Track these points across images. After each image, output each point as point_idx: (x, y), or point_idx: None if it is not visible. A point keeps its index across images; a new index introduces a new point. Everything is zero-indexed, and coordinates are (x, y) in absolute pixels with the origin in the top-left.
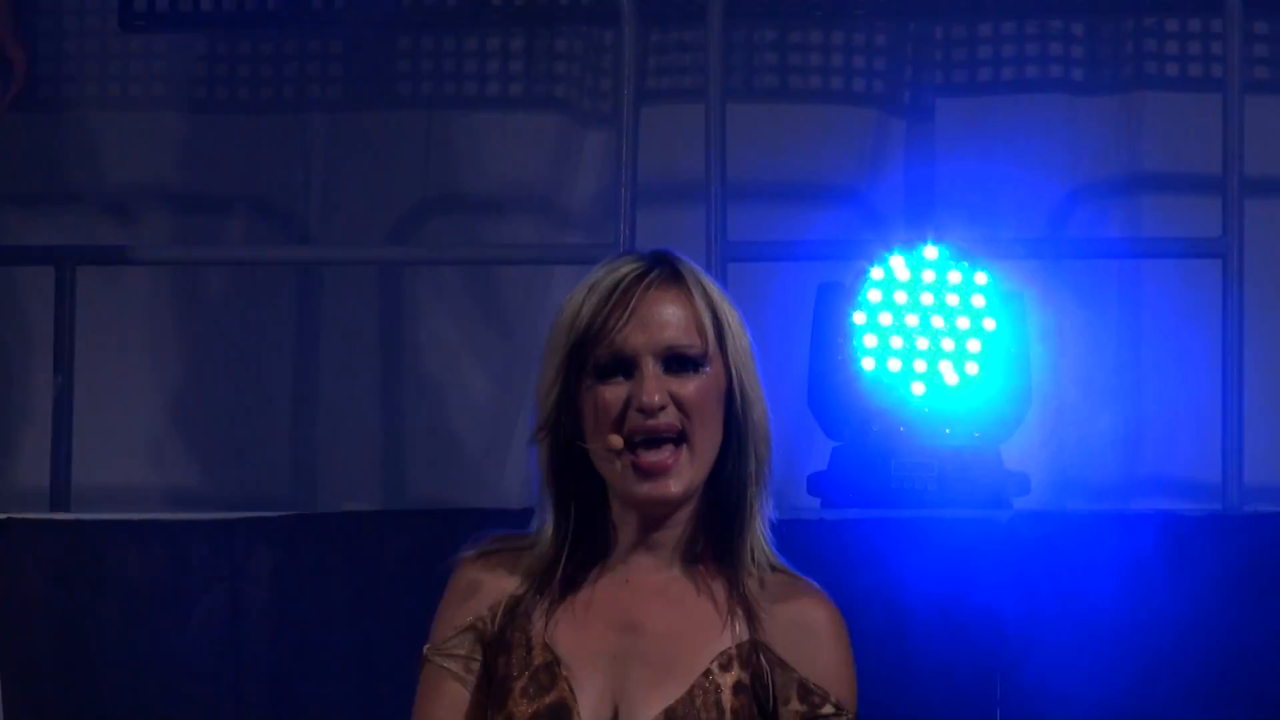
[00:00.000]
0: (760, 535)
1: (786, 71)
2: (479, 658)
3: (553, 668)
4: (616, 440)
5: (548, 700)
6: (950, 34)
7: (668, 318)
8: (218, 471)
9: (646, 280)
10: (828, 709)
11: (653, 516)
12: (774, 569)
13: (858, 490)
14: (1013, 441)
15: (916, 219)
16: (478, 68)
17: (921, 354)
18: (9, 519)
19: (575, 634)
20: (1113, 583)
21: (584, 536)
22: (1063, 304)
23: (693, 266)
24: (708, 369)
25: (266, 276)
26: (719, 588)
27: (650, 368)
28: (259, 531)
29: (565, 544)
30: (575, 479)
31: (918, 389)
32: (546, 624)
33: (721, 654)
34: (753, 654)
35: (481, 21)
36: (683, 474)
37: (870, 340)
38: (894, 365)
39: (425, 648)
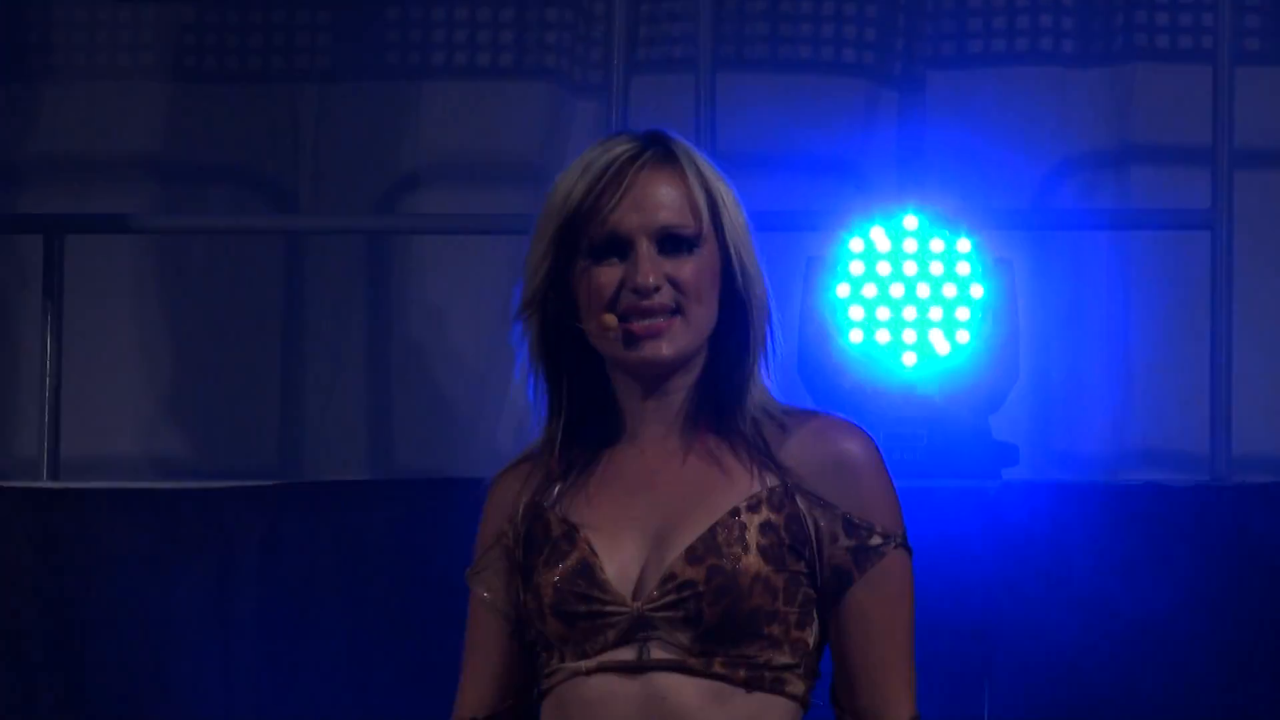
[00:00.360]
0: (764, 388)
1: (777, 42)
2: (505, 581)
3: (571, 534)
4: (611, 319)
5: (570, 562)
6: (941, 6)
7: (662, 198)
8: (206, 441)
9: (640, 160)
10: (875, 539)
11: (654, 382)
12: (788, 413)
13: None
14: (1001, 412)
15: (907, 190)
16: (468, 37)
17: (910, 324)
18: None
19: (591, 505)
20: (1100, 553)
21: (587, 415)
22: (1051, 274)
23: (687, 146)
24: (702, 249)
25: (255, 246)
26: (739, 443)
27: (645, 249)
28: (247, 500)
29: (561, 420)
30: (567, 358)
31: (909, 359)
32: (561, 503)
33: (750, 497)
34: (785, 498)
35: None
36: (676, 338)
37: (856, 313)
38: (883, 337)
39: (466, 571)
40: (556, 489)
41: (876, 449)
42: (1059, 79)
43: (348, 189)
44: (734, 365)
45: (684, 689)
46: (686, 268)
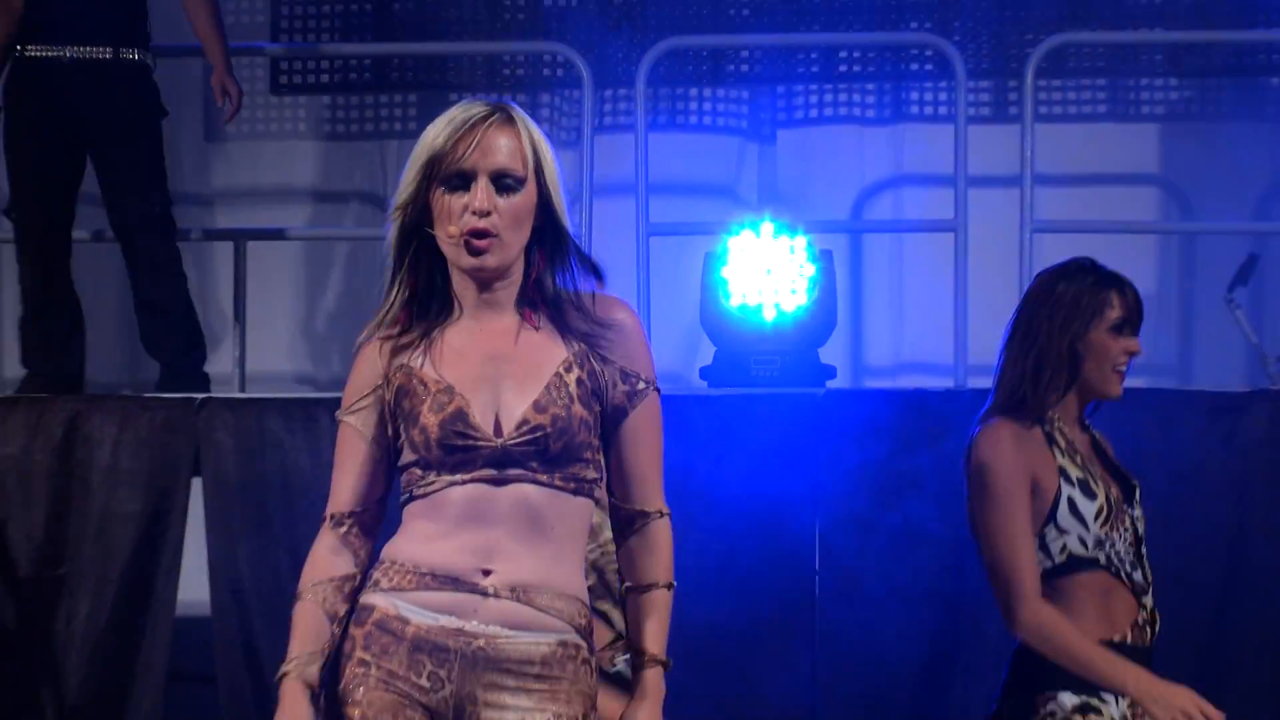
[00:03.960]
0: (565, 285)
1: (688, 113)
2: (376, 418)
3: (450, 390)
4: (455, 230)
5: (450, 410)
6: (788, 91)
7: (500, 148)
8: (341, 368)
9: (489, 120)
10: (641, 384)
11: (485, 281)
12: (579, 294)
13: (729, 377)
14: (826, 347)
15: (765, 206)
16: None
17: (767, 292)
18: (207, 398)
19: (454, 368)
20: (894, 437)
21: (430, 300)
22: (858, 260)
23: (523, 115)
24: (525, 188)
25: (375, 249)
26: (548, 322)
27: (484, 183)
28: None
29: (413, 301)
30: (419, 255)
31: (768, 314)
32: (429, 364)
33: (564, 361)
34: (585, 358)
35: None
36: (495, 253)
37: (735, 285)
38: (751, 300)
39: (337, 413)
40: (420, 358)
41: (637, 317)
42: (859, 135)
43: None
44: (545, 269)
45: (535, 494)
46: (511, 202)
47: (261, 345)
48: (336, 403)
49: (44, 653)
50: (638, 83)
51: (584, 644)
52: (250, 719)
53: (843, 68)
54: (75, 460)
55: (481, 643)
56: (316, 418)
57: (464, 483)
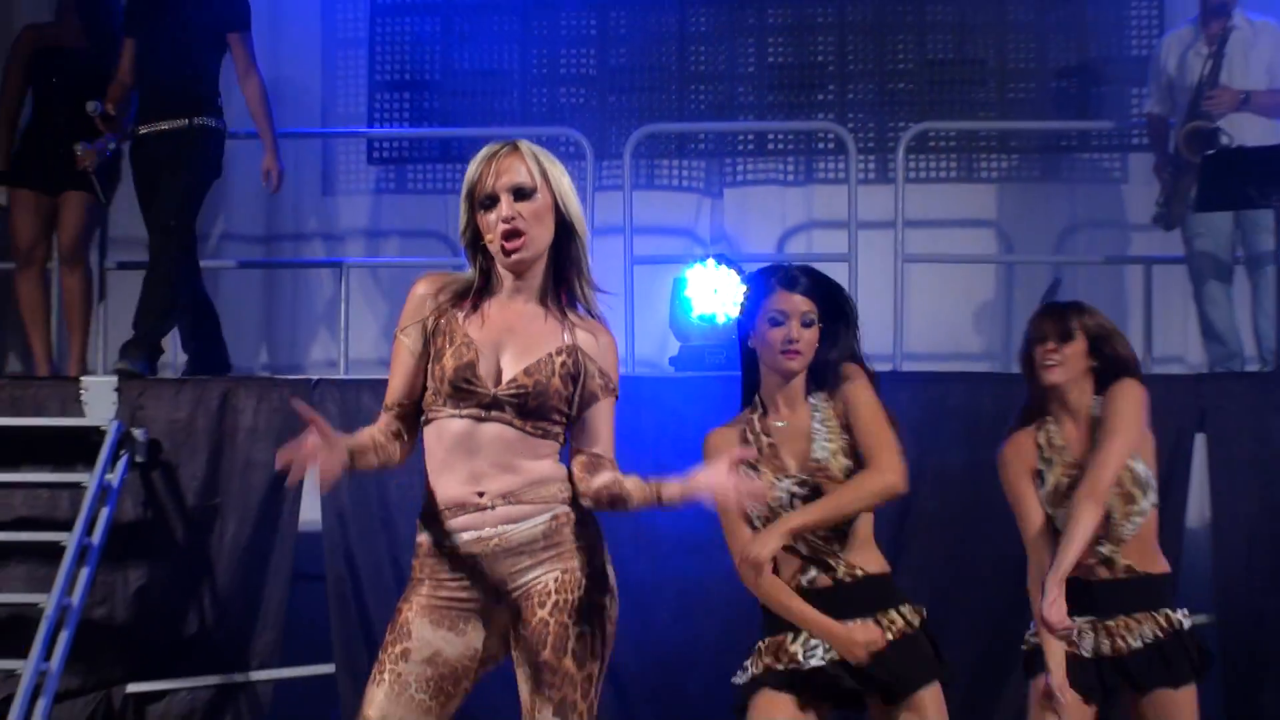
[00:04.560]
0: (587, 291)
1: (661, 177)
2: (421, 338)
3: (470, 343)
4: (494, 239)
5: (465, 359)
6: (732, 162)
7: (513, 170)
8: None
9: (501, 153)
10: (610, 385)
11: (516, 272)
12: (589, 313)
13: (691, 364)
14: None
15: (714, 246)
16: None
17: (715, 308)
18: (320, 379)
19: (479, 330)
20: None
21: (485, 282)
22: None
23: (529, 144)
24: (538, 196)
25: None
26: (557, 316)
27: (505, 199)
28: None
29: (473, 283)
30: (479, 255)
31: (719, 320)
32: (464, 322)
33: (559, 348)
34: (574, 352)
35: None
36: (526, 248)
37: (695, 302)
38: (706, 312)
39: (396, 330)
40: (463, 313)
41: (614, 339)
42: (781, 194)
43: None
44: (563, 266)
45: (508, 432)
46: (528, 206)
47: (359, 342)
48: None
49: (203, 559)
50: (625, 156)
51: (570, 510)
52: (350, 609)
53: (770, 146)
54: (226, 423)
55: (496, 541)
56: None
57: (459, 416)
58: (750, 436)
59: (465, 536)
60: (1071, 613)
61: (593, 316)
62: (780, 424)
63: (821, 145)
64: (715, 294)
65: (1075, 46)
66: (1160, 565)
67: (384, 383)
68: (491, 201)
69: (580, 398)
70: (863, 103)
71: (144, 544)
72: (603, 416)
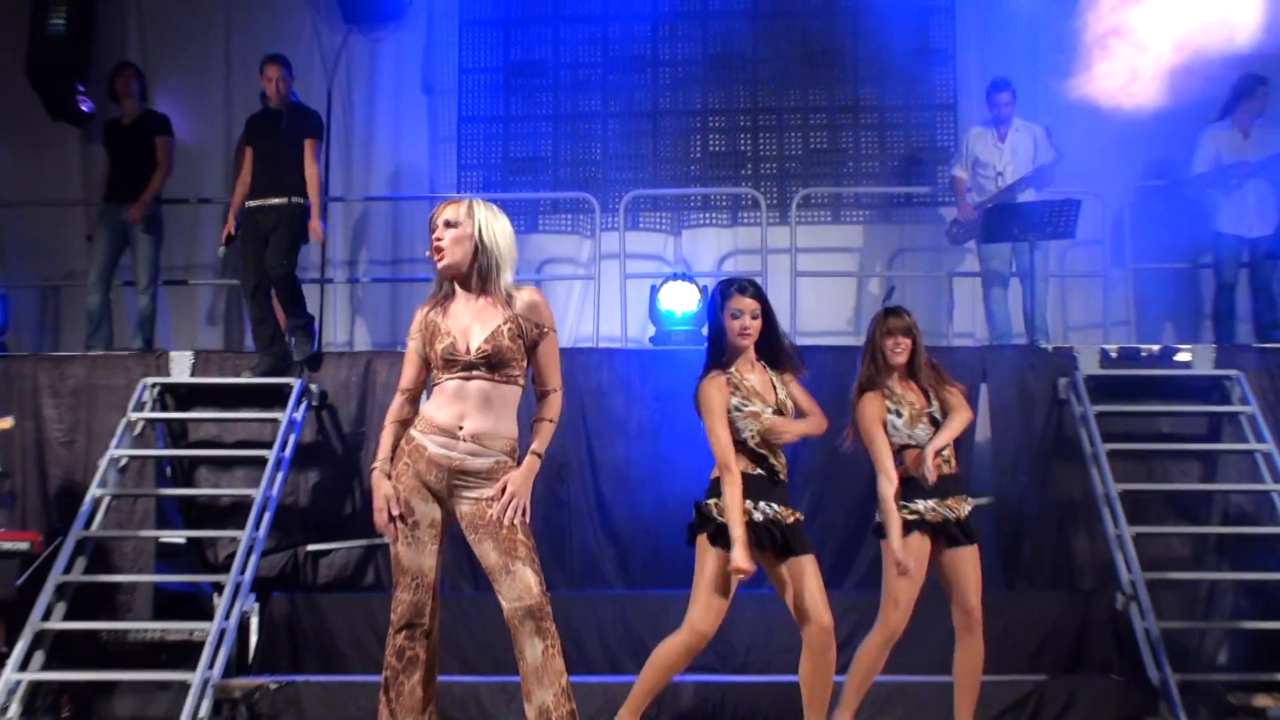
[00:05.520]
0: (502, 283)
1: (643, 221)
2: (422, 344)
3: (448, 333)
4: (430, 252)
5: (447, 343)
6: (688, 213)
7: (447, 210)
8: None
9: (449, 201)
10: (545, 330)
11: (452, 277)
12: (519, 286)
13: (664, 342)
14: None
15: (679, 265)
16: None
17: (678, 306)
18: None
19: (452, 321)
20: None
21: (451, 291)
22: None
23: (470, 198)
24: (460, 225)
25: None
26: (500, 300)
27: (440, 227)
28: None
29: (445, 293)
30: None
31: (680, 315)
32: (443, 320)
33: (504, 320)
34: (513, 320)
35: None
36: (445, 259)
37: (665, 302)
38: (673, 309)
39: (407, 337)
40: (441, 316)
41: (542, 294)
42: (717, 233)
43: None
44: (489, 269)
45: (486, 384)
46: (453, 232)
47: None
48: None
49: (353, 467)
50: (620, 210)
51: (509, 459)
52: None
53: (711, 203)
54: (368, 380)
55: (458, 461)
56: None
57: (453, 378)
58: (736, 382)
59: (439, 450)
60: (929, 495)
61: (523, 290)
62: (751, 377)
63: (744, 202)
64: (678, 298)
65: (903, 140)
66: (959, 467)
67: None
68: (434, 229)
69: (528, 344)
70: (769, 175)
71: (316, 457)
72: (547, 351)
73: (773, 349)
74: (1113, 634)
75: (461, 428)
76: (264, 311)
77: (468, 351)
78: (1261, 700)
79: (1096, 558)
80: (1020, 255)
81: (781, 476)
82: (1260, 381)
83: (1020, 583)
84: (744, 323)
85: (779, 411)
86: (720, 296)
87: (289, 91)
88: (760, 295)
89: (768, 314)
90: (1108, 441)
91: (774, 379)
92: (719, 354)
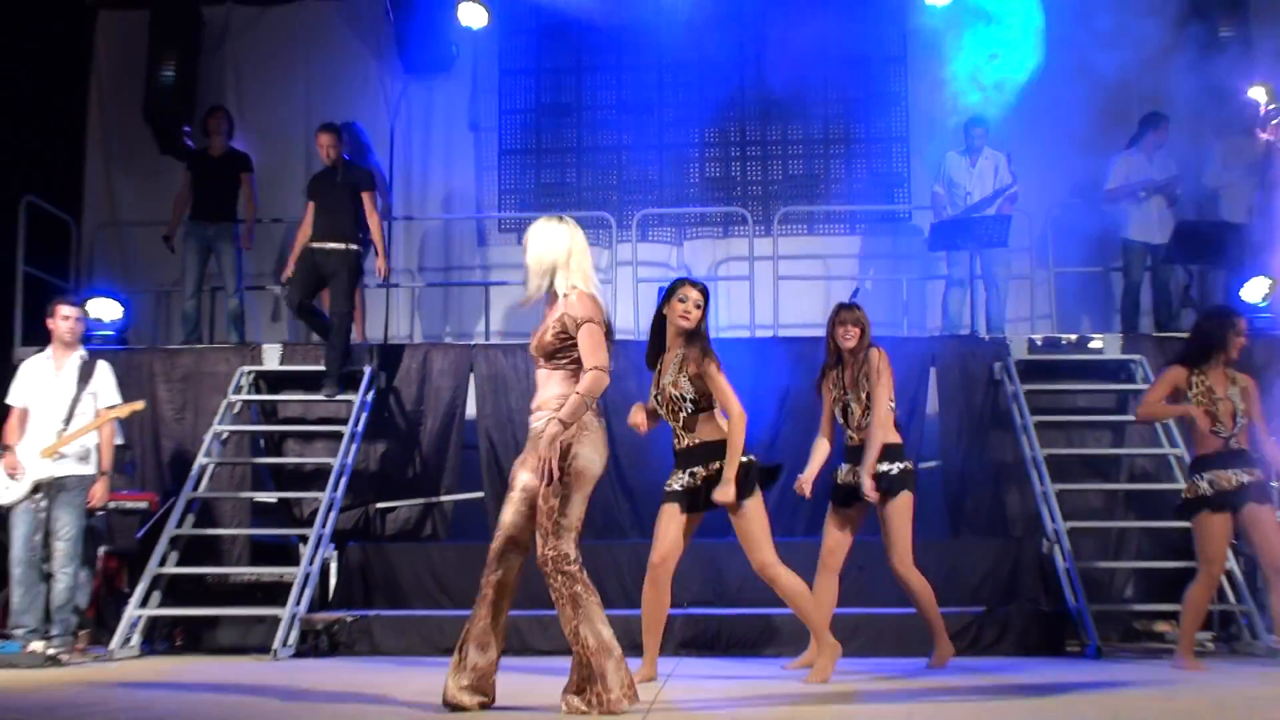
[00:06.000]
0: (564, 284)
1: (652, 235)
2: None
3: (532, 334)
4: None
5: (529, 342)
6: (688, 227)
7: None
8: None
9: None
10: (576, 320)
11: (539, 299)
12: (565, 294)
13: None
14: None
15: (682, 271)
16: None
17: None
18: (476, 344)
19: (541, 324)
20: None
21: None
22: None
23: (534, 224)
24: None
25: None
26: (556, 304)
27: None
28: None
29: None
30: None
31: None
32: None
33: (557, 320)
34: (560, 319)
35: None
36: (527, 292)
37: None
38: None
39: None
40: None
41: (571, 300)
42: (712, 244)
43: None
44: (544, 281)
45: (543, 371)
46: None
47: (505, 330)
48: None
49: (414, 438)
50: (633, 225)
51: (555, 415)
52: (493, 464)
53: (709, 218)
54: (426, 368)
55: (532, 430)
56: (519, 357)
57: (539, 369)
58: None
59: (531, 424)
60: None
61: (568, 297)
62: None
63: (734, 218)
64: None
65: (865, 166)
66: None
67: (519, 348)
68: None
69: (571, 336)
70: (755, 196)
71: (383, 430)
72: (581, 339)
73: (692, 343)
74: (1039, 572)
75: (537, 406)
76: (309, 317)
77: (536, 350)
78: (1161, 626)
79: (1026, 510)
80: (972, 262)
81: (688, 442)
82: (1158, 364)
83: (964, 531)
84: (687, 307)
85: (659, 393)
86: (674, 285)
87: (340, 154)
88: (705, 292)
89: (705, 313)
90: (1035, 414)
91: (676, 364)
92: (658, 337)
